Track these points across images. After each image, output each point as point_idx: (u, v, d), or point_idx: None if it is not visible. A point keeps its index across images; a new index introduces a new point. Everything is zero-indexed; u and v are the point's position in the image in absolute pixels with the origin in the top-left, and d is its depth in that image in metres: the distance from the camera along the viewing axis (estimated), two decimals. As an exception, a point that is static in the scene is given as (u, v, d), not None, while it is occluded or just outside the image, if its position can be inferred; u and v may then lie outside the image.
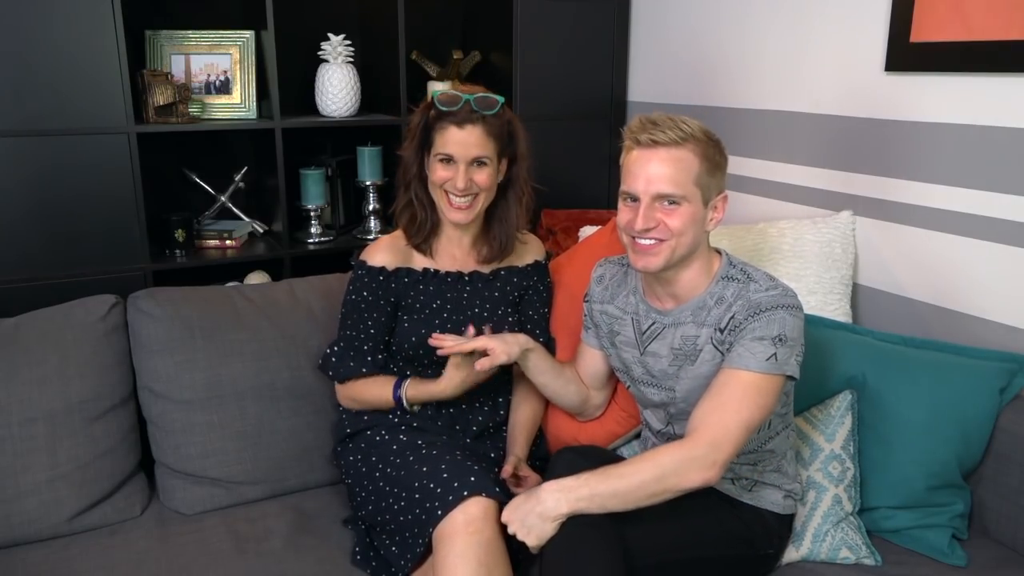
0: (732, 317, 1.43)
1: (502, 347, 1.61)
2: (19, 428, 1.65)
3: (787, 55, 2.15)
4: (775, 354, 1.37)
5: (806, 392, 1.74)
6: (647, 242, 1.44)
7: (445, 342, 1.62)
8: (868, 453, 1.66)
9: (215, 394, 1.78)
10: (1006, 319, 1.74)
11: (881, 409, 1.66)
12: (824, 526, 1.59)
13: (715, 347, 1.46)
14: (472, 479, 1.47)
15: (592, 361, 1.72)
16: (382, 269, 1.73)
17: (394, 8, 2.37)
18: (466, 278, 1.77)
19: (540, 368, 1.70)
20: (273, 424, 1.82)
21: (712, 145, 1.44)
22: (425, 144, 1.70)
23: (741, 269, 1.50)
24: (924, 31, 1.80)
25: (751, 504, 1.54)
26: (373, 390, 1.74)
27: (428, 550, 1.46)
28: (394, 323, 1.76)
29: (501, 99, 1.67)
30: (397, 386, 1.72)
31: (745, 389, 1.37)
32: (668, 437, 1.60)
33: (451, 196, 1.67)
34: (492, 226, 1.78)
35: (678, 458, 1.36)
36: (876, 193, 1.96)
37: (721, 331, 1.44)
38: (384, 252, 1.75)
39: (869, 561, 1.57)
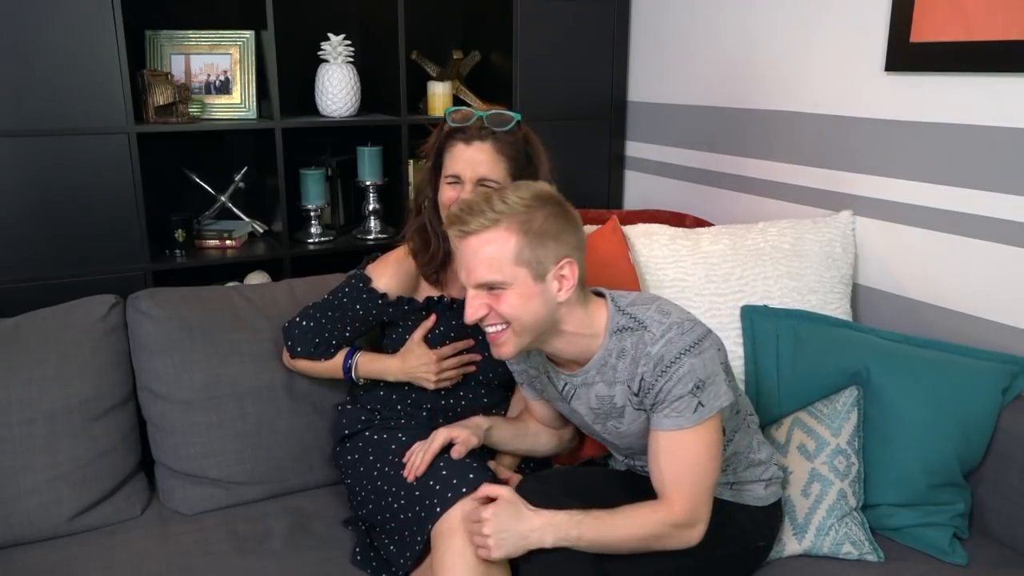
0: (642, 379, 1.37)
1: (466, 433, 1.57)
2: (19, 428, 1.65)
3: (787, 55, 2.15)
4: (699, 402, 1.33)
5: (810, 387, 1.76)
6: (490, 330, 1.38)
7: (414, 460, 1.55)
8: (870, 450, 1.66)
9: (215, 394, 1.78)
10: (1006, 319, 1.74)
11: (883, 406, 1.66)
12: (829, 520, 1.59)
13: (636, 408, 1.41)
14: (471, 476, 1.47)
15: (542, 409, 1.68)
16: (384, 295, 1.71)
17: (394, 8, 2.37)
18: None
19: (504, 439, 1.67)
20: (273, 424, 1.82)
21: (540, 213, 1.33)
22: (438, 167, 1.64)
23: (630, 315, 1.41)
24: (924, 31, 1.80)
25: (734, 501, 1.53)
26: (325, 364, 1.76)
27: (428, 549, 1.46)
28: (374, 332, 1.76)
29: (517, 116, 1.61)
30: (349, 356, 1.74)
31: (695, 446, 1.35)
32: (630, 467, 1.60)
33: None
34: None
35: (662, 524, 1.35)
36: (876, 193, 1.96)
37: (636, 394, 1.39)
38: (391, 277, 1.71)
39: (871, 557, 1.57)
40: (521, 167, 1.61)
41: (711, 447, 1.36)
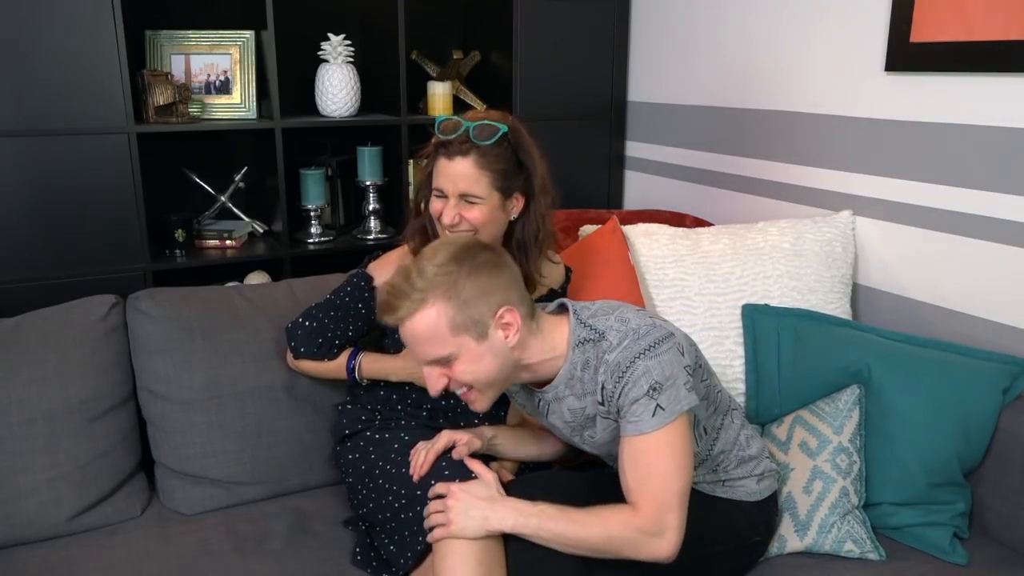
0: (603, 387, 1.37)
1: (469, 436, 1.57)
2: (19, 428, 1.65)
3: (787, 55, 2.15)
4: (658, 405, 1.31)
5: (811, 386, 1.76)
6: (458, 392, 1.41)
7: (418, 458, 1.55)
8: (871, 449, 1.66)
9: (215, 394, 1.78)
10: (1006, 319, 1.74)
11: (884, 405, 1.67)
12: (831, 517, 1.59)
13: (604, 418, 1.42)
14: (472, 475, 1.47)
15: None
16: None
17: (394, 8, 2.37)
18: None
19: (510, 448, 1.67)
20: (273, 424, 1.82)
21: (462, 273, 1.33)
22: (431, 175, 1.64)
23: (590, 326, 1.40)
24: (924, 31, 1.81)
25: (727, 498, 1.53)
26: (328, 365, 1.76)
27: (428, 548, 1.46)
28: (374, 331, 1.75)
29: (503, 128, 1.58)
30: (352, 356, 1.74)
31: (657, 451, 1.33)
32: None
33: (447, 232, 1.61)
34: None
35: (626, 526, 1.32)
36: (876, 193, 1.97)
37: (602, 404, 1.39)
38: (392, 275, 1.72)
39: (873, 556, 1.57)
40: (510, 176, 1.61)
41: (676, 452, 1.33)
